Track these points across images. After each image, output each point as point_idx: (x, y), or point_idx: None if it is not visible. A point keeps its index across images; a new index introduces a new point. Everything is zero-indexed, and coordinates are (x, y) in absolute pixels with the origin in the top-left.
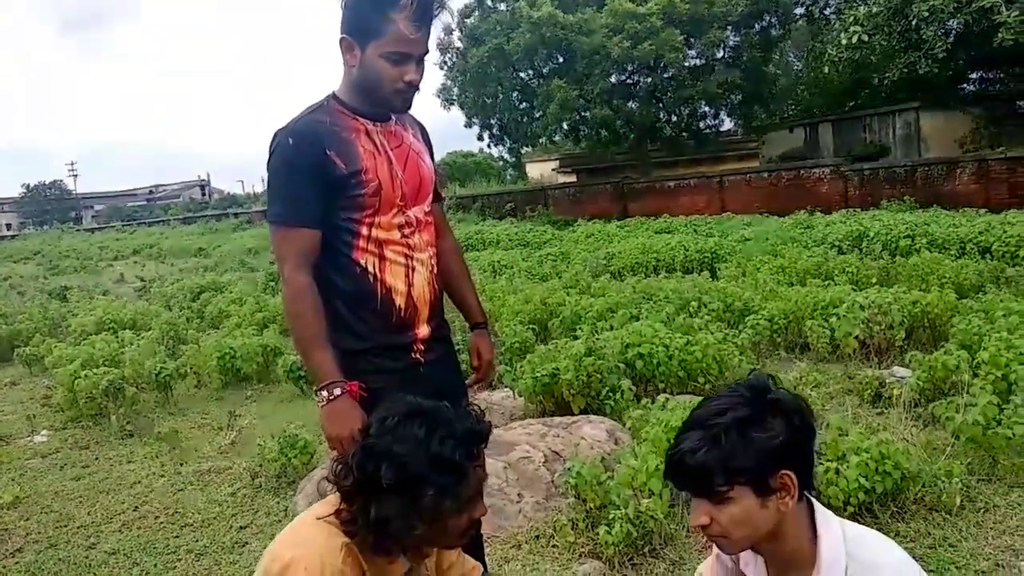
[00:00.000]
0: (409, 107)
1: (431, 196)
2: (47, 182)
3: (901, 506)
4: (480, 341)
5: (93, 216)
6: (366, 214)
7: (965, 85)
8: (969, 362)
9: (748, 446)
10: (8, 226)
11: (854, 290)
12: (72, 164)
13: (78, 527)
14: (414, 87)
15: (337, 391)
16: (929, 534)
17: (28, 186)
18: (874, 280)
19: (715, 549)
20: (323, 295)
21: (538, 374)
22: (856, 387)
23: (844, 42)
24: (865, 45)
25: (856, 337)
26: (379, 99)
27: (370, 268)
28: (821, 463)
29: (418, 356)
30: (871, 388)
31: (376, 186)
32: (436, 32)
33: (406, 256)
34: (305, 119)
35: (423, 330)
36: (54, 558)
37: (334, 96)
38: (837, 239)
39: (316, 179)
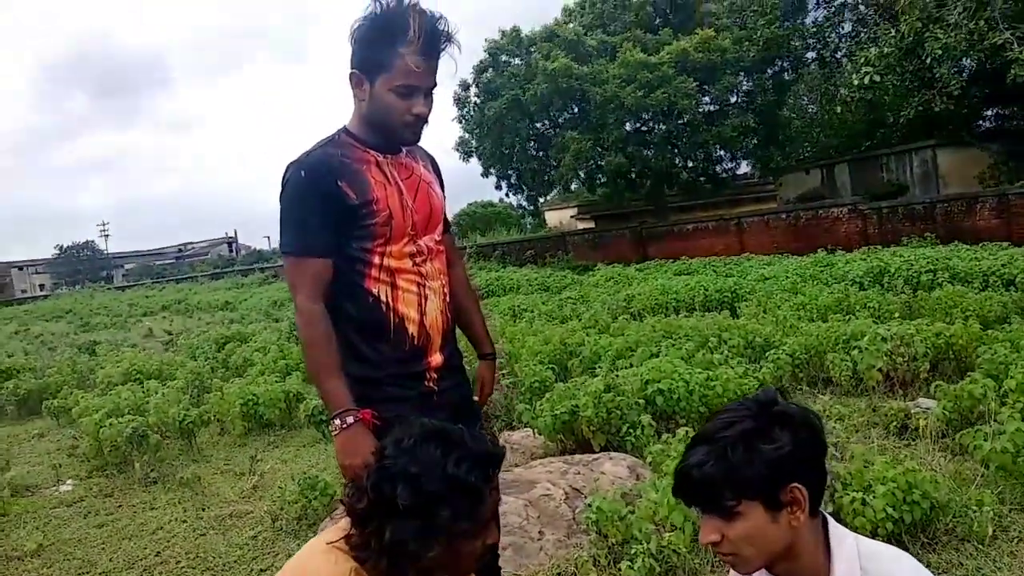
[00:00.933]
0: (418, 139)
1: (441, 225)
2: (79, 243)
3: (932, 536)
4: (485, 372)
5: (124, 275)
6: (377, 243)
7: (981, 122)
8: (996, 390)
9: (754, 459)
10: (41, 287)
11: (876, 324)
12: (104, 224)
13: (100, 573)
14: (423, 120)
15: (350, 419)
16: (961, 564)
17: (61, 247)
18: (896, 314)
19: (730, 572)
20: (336, 324)
21: (557, 411)
22: (881, 419)
23: (856, 83)
24: (878, 85)
25: (879, 369)
26: (389, 132)
27: (383, 297)
28: (847, 494)
29: (431, 385)
30: (896, 420)
31: (387, 215)
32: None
33: (418, 284)
34: (316, 152)
35: (436, 358)
36: None
37: (345, 129)
38: (858, 276)
39: (327, 210)
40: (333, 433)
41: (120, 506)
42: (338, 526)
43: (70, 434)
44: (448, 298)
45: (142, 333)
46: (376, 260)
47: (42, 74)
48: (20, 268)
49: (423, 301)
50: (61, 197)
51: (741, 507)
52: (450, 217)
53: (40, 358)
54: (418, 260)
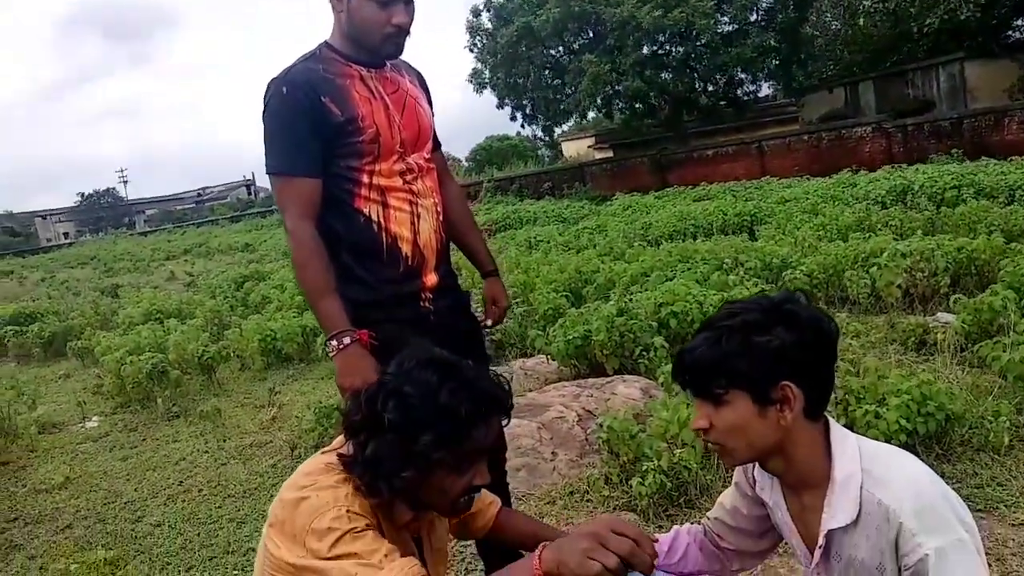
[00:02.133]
0: (400, 52)
1: (431, 142)
2: (100, 190)
3: (946, 448)
4: (494, 288)
5: (145, 221)
6: (365, 161)
7: (1011, 33)
8: (1017, 302)
9: (746, 349)
10: (65, 235)
11: (897, 241)
12: (122, 171)
13: (125, 503)
14: (404, 30)
15: (347, 340)
16: (976, 474)
17: (83, 195)
18: (919, 231)
19: (734, 477)
20: (328, 246)
21: (570, 336)
22: (899, 335)
23: None
24: None
25: (898, 286)
26: (370, 44)
27: (374, 216)
28: (860, 407)
29: (427, 305)
30: (914, 335)
31: (374, 132)
32: (465, 14)
33: (410, 203)
34: (298, 67)
35: (431, 278)
36: (102, 532)
37: (326, 44)
38: (880, 195)
39: (312, 127)
40: (330, 354)
41: (144, 439)
42: (336, 441)
43: (94, 373)
44: (441, 216)
45: (164, 276)
46: (365, 179)
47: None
48: (44, 217)
49: (416, 220)
50: (80, 145)
51: (729, 395)
52: (465, 152)
53: (64, 302)
54: (408, 178)
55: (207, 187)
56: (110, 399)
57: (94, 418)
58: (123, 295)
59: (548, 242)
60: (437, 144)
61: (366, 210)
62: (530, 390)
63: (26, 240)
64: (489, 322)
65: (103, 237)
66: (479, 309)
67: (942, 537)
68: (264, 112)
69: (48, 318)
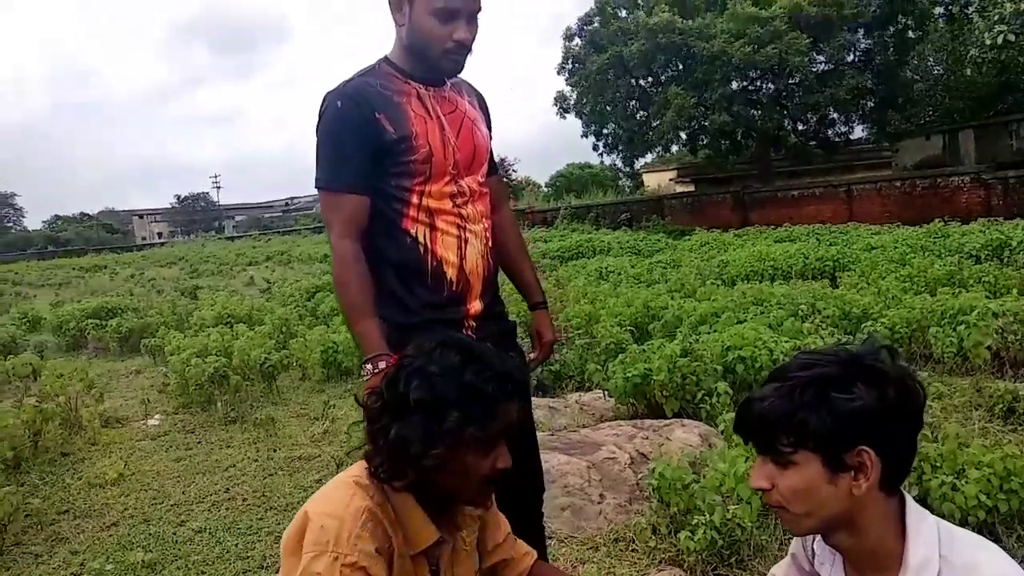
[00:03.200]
0: (460, 69)
1: (486, 166)
2: (195, 194)
3: None
4: (541, 321)
5: (234, 226)
6: (416, 181)
7: None
8: None
9: (823, 406)
10: (159, 235)
11: (990, 299)
12: (216, 177)
13: (172, 504)
14: (465, 47)
15: (382, 364)
16: None
17: (179, 197)
18: (1014, 290)
19: (791, 548)
20: (371, 265)
21: (630, 373)
22: (985, 401)
23: (988, 42)
24: (1012, 45)
25: (988, 347)
26: (429, 60)
27: (420, 238)
28: (936, 476)
29: (470, 333)
30: (1002, 402)
31: (427, 152)
32: (560, 40)
33: (458, 227)
34: (354, 82)
35: (475, 305)
36: (145, 533)
37: (386, 59)
38: (974, 248)
39: (364, 143)
40: (364, 377)
41: (199, 442)
42: (362, 463)
43: (162, 372)
44: (491, 243)
45: (244, 281)
46: (415, 200)
47: (170, 31)
48: (141, 216)
49: (463, 244)
50: (180, 148)
51: (797, 456)
52: (546, 178)
53: (147, 299)
54: (459, 201)
55: (295, 197)
56: (174, 398)
57: (156, 416)
58: (201, 297)
59: (619, 274)
60: (493, 168)
61: (413, 231)
62: (584, 426)
63: (123, 237)
64: (534, 356)
65: (193, 239)
66: (527, 340)
67: None
68: (318, 125)
69: (127, 314)
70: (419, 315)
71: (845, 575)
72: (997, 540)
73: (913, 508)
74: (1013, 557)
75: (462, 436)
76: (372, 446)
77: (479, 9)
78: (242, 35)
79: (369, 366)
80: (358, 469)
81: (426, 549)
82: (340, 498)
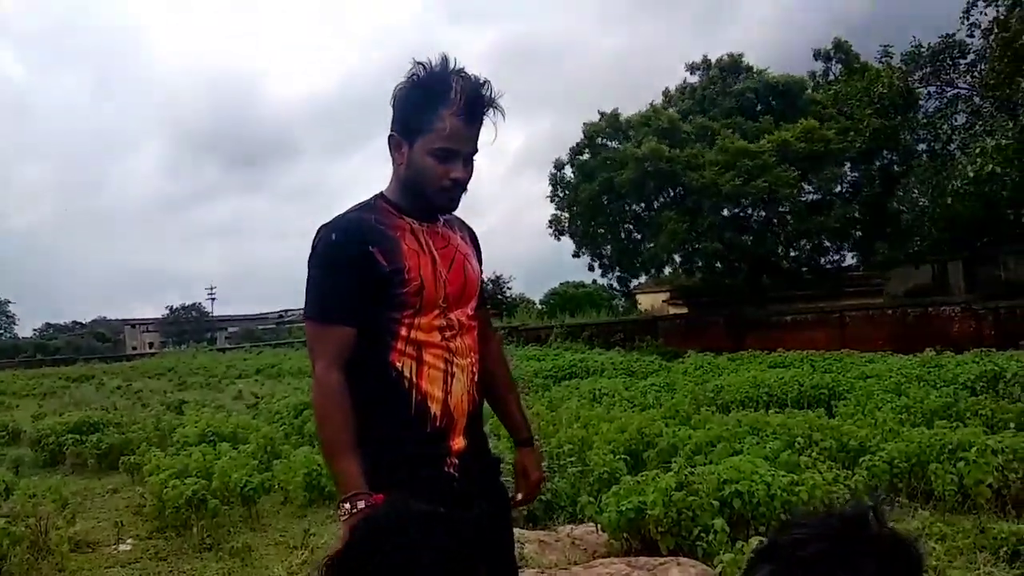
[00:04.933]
0: (455, 207)
1: (476, 300)
2: (187, 304)
3: None
4: (527, 459)
5: (227, 337)
6: (406, 314)
7: None
8: None
9: None
10: (151, 344)
11: (987, 434)
12: (211, 288)
13: None
14: (460, 185)
15: (361, 503)
16: None
17: (171, 308)
18: (1012, 424)
19: None
20: (353, 398)
21: (623, 507)
22: (989, 543)
23: (971, 174)
24: (997, 177)
25: (989, 485)
26: (425, 197)
27: (406, 372)
28: None
29: (452, 471)
30: (1007, 544)
31: (418, 285)
32: (548, 167)
33: (445, 361)
34: (350, 215)
35: (459, 442)
36: None
37: (381, 195)
38: (969, 379)
39: (357, 275)
40: (342, 518)
41: (171, 571)
42: None
43: (140, 492)
44: (476, 378)
45: (232, 395)
46: (403, 332)
47: (181, 145)
48: (133, 326)
49: (449, 379)
50: (177, 259)
51: None
52: (539, 295)
53: (131, 413)
54: (448, 335)
55: (289, 309)
56: (149, 521)
57: (128, 541)
58: (187, 411)
59: (612, 396)
60: (483, 301)
61: (399, 364)
62: (575, 563)
63: (113, 347)
64: (519, 496)
65: (184, 349)
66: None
67: None
68: (311, 256)
69: (109, 429)
70: (401, 450)
71: None
72: None
73: None
74: None
75: None
76: None
77: (475, 151)
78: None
79: (347, 505)
80: None
81: None
82: None
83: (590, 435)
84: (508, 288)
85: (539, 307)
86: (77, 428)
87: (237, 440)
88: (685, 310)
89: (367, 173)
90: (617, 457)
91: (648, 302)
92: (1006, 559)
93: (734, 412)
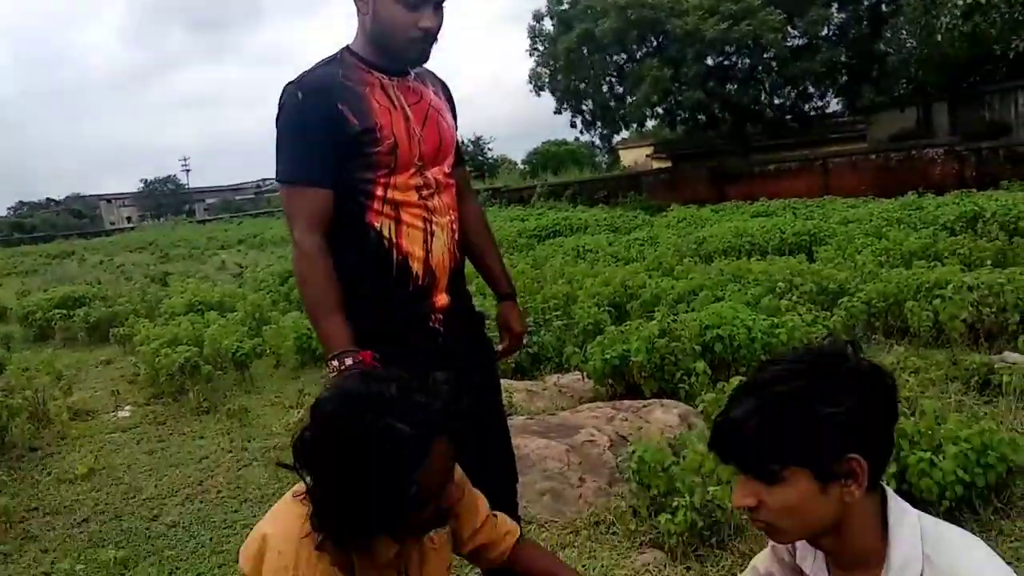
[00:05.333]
0: (426, 59)
1: (452, 157)
2: (162, 177)
3: (1006, 501)
4: (509, 313)
5: (205, 209)
6: (381, 174)
7: None
8: None
9: (811, 422)
10: (128, 219)
11: (964, 271)
12: (185, 160)
13: (144, 499)
14: (431, 35)
15: (348, 360)
16: None
17: (146, 181)
18: (988, 262)
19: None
20: (335, 260)
21: (608, 355)
22: (961, 374)
23: (961, 9)
24: (985, 9)
25: (963, 320)
26: (393, 50)
27: (385, 232)
28: (914, 453)
29: (436, 326)
30: (978, 375)
31: (391, 144)
32: (527, 20)
33: (424, 220)
34: (315, 72)
35: (442, 299)
36: (116, 529)
37: (348, 48)
38: (949, 220)
39: (327, 135)
40: (330, 375)
41: (171, 434)
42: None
43: (133, 362)
44: (457, 235)
45: (216, 266)
46: (379, 192)
47: (143, 11)
48: (108, 201)
49: (428, 238)
50: (148, 131)
51: (786, 473)
52: (522, 155)
53: (116, 287)
54: (425, 193)
55: (267, 179)
56: (144, 389)
57: (127, 407)
58: (172, 283)
59: (597, 252)
60: (460, 159)
61: (377, 225)
62: (563, 408)
63: (91, 222)
64: (503, 348)
65: (163, 223)
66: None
67: None
68: (278, 117)
69: (95, 303)
70: (385, 310)
71: (827, 571)
72: (974, 513)
73: (894, 505)
74: (989, 530)
75: (385, 522)
76: (312, 510)
77: None
78: (216, 15)
79: (335, 363)
80: (299, 506)
81: None
82: (293, 520)
83: (574, 290)
84: (489, 149)
85: (521, 167)
86: (63, 303)
87: (224, 309)
88: (668, 164)
89: (337, 34)
90: (601, 309)
91: (631, 158)
92: (976, 388)
93: (716, 262)
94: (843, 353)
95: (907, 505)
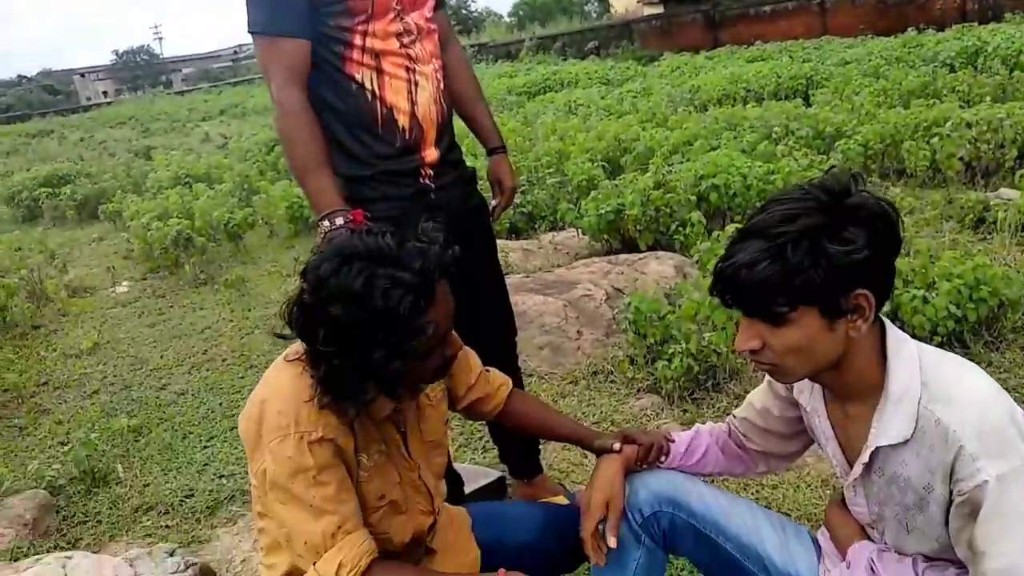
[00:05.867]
0: None
1: (434, 1)
2: (135, 47)
3: (997, 335)
4: (499, 166)
5: (182, 79)
6: (358, 21)
7: None
8: None
9: (821, 261)
10: (105, 94)
11: (963, 108)
12: (156, 27)
13: (151, 370)
14: None
15: (339, 220)
16: None
17: (118, 53)
18: (988, 98)
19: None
20: (318, 117)
21: (602, 210)
22: (956, 212)
23: None
24: None
25: (960, 158)
26: None
27: (367, 84)
28: (907, 291)
29: (427, 181)
30: (973, 212)
31: None
32: None
33: (407, 69)
34: None
35: (431, 153)
36: (127, 399)
37: None
38: (949, 57)
39: None
40: (321, 236)
41: (172, 306)
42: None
43: (125, 238)
44: (442, 86)
45: (199, 138)
46: (357, 41)
47: None
48: (82, 75)
49: (413, 88)
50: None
51: (794, 313)
52: (506, 8)
53: (99, 163)
54: (406, 40)
55: (243, 44)
56: (139, 264)
57: (124, 283)
58: (156, 157)
59: (589, 106)
60: (440, 2)
61: (358, 76)
62: (558, 265)
63: (66, 99)
64: (496, 203)
65: (141, 95)
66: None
67: (1005, 463)
68: None
69: (81, 180)
70: (372, 166)
71: (824, 402)
72: (965, 347)
73: (893, 335)
74: (980, 363)
75: (391, 370)
76: (311, 370)
77: None
78: None
79: (326, 223)
80: (292, 349)
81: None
82: (291, 381)
83: (567, 147)
84: (472, 2)
85: (507, 20)
86: (48, 182)
87: (212, 180)
88: (660, 9)
89: None
90: (595, 165)
91: (622, 5)
92: (971, 226)
93: (711, 110)
94: (847, 187)
95: (906, 336)
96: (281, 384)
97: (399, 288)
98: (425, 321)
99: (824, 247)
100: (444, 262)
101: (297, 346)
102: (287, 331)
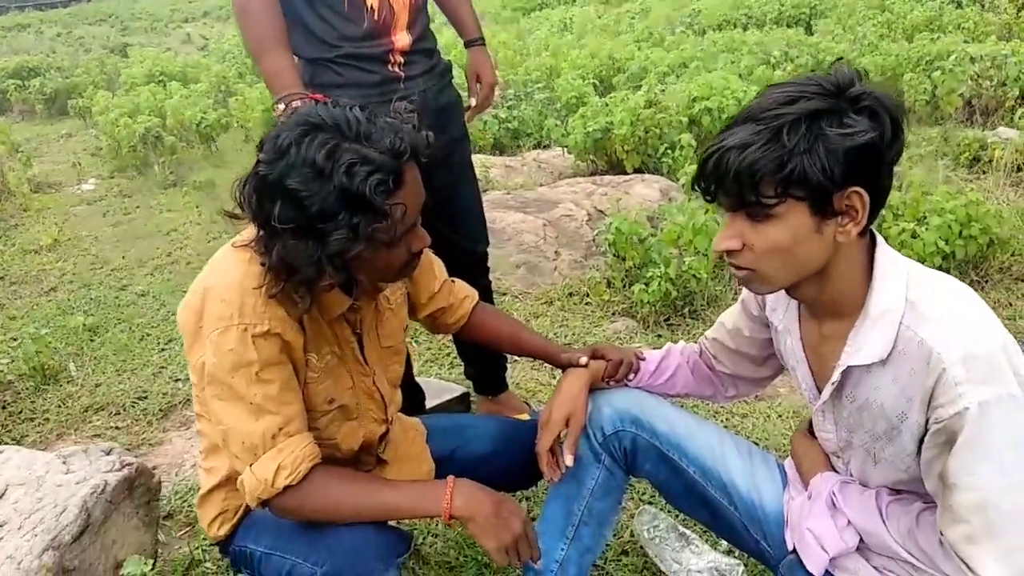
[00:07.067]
0: None
1: None
2: None
3: (983, 274)
4: (478, 60)
5: None
6: None
7: None
8: None
9: (818, 146)
10: None
11: (967, 44)
12: None
13: (111, 270)
14: None
15: (296, 103)
16: (1010, 304)
17: None
18: (993, 35)
19: (742, 295)
20: None
21: (590, 129)
22: (952, 149)
23: None
24: None
25: (961, 95)
26: None
27: None
28: (897, 224)
29: (396, 69)
30: (969, 150)
31: None
32: None
33: None
34: None
35: (402, 38)
36: (85, 297)
37: None
38: None
39: None
40: (277, 118)
41: (137, 206)
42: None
43: (94, 135)
44: None
45: (180, 39)
46: None
47: None
48: None
49: None
50: None
51: (781, 207)
52: None
53: (72, 58)
54: None
55: None
56: (108, 163)
57: (90, 180)
58: (132, 54)
59: (585, 24)
60: None
61: None
62: (541, 184)
63: None
64: (472, 102)
65: None
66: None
67: (990, 389)
68: None
69: (51, 74)
70: (336, 48)
71: (799, 321)
72: None
73: (884, 252)
74: None
75: (351, 254)
76: (260, 254)
77: None
78: None
79: (281, 106)
80: (241, 236)
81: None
82: (237, 267)
83: (558, 63)
84: None
85: None
86: (17, 73)
87: (187, 80)
88: None
89: None
90: (586, 82)
91: None
92: (966, 164)
93: (710, 34)
94: (851, 79)
95: (899, 256)
96: (226, 270)
97: (366, 165)
98: (392, 204)
99: (823, 130)
100: (416, 143)
101: (247, 232)
102: (240, 212)
